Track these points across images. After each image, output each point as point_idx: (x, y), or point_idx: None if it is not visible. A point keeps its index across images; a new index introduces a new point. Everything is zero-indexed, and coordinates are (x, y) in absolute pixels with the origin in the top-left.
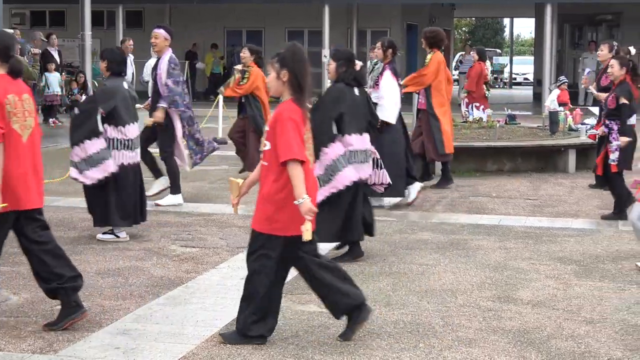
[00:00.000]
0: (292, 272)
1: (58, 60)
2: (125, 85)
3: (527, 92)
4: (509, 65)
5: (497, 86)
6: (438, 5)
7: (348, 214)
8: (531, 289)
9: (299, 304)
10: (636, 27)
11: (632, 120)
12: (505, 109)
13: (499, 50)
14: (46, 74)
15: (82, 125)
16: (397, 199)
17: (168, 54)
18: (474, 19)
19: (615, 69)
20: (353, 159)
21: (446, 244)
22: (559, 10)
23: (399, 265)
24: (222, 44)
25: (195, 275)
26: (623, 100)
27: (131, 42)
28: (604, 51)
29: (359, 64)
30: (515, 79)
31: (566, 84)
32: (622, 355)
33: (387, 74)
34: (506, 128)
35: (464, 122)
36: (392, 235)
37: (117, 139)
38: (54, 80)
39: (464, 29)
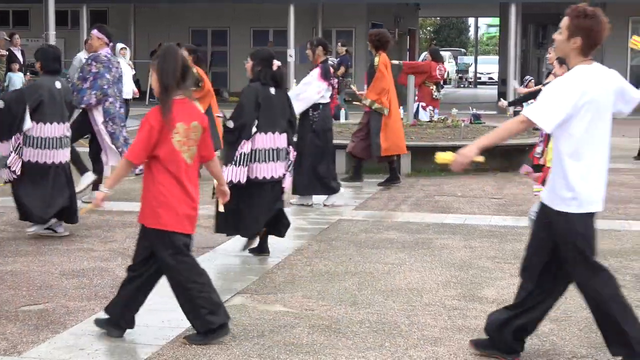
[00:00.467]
0: (258, 272)
1: (21, 60)
2: (58, 84)
3: (492, 91)
4: (473, 64)
5: (462, 85)
6: (403, 5)
7: (238, 210)
8: (496, 287)
9: (265, 303)
10: None
11: None
12: (470, 108)
13: (463, 50)
14: (10, 73)
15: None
16: (333, 198)
17: (101, 52)
18: (438, 18)
19: (556, 68)
20: (258, 158)
21: (412, 243)
22: (523, 10)
23: (365, 264)
24: (187, 44)
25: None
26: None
27: (127, 50)
28: (551, 54)
29: (276, 63)
30: (479, 78)
31: (532, 81)
32: (587, 352)
33: (314, 72)
34: (471, 127)
35: (429, 121)
36: (357, 235)
37: (33, 137)
38: (18, 80)
39: (429, 28)
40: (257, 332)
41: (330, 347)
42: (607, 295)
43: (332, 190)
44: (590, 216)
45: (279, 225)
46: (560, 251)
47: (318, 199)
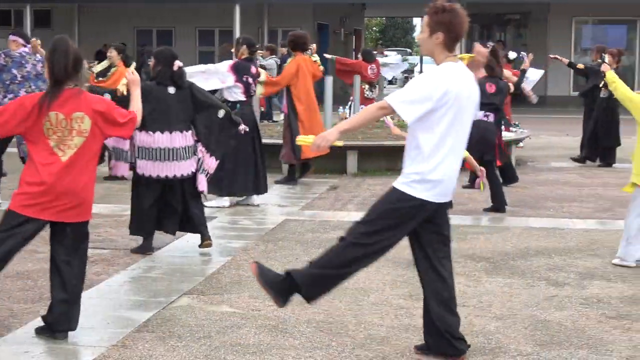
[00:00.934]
0: (204, 273)
1: None
2: None
3: None
4: (419, 64)
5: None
6: (349, 5)
7: (137, 208)
8: None
9: (211, 304)
10: (543, 26)
11: (479, 115)
12: None
13: (409, 50)
14: None
15: None
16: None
17: (17, 50)
18: (384, 18)
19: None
20: (147, 156)
21: None
22: (467, 10)
23: None
24: (132, 43)
25: (106, 277)
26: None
27: (39, 41)
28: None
29: (177, 64)
30: None
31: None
32: (532, 350)
33: (226, 62)
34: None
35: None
36: (304, 235)
37: None
38: None
39: (374, 28)
40: (203, 332)
41: (277, 347)
42: None
43: (249, 191)
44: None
45: (196, 225)
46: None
47: (266, 198)
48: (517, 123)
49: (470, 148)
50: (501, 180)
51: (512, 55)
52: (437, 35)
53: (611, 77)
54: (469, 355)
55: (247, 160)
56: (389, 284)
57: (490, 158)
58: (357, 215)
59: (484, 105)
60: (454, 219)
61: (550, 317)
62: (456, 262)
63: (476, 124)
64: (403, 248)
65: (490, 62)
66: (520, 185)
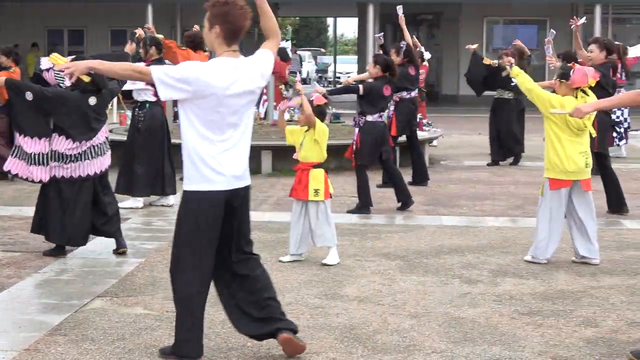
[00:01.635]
0: (118, 275)
1: None
2: None
3: None
4: (333, 64)
5: (321, 85)
6: None
7: (41, 211)
8: (357, 285)
9: (125, 306)
10: (455, 26)
11: (374, 117)
12: (330, 107)
13: (323, 50)
14: None
15: None
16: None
17: None
18: (298, 18)
19: (370, 67)
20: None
21: (273, 243)
22: (380, 10)
23: None
24: (43, 43)
25: (17, 280)
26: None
27: None
28: (393, 56)
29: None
30: (339, 77)
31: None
32: (446, 347)
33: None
34: (331, 127)
35: (289, 120)
36: None
37: None
38: None
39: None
40: (117, 335)
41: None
42: None
43: (161, 191)
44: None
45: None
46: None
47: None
48: (430, 122)
49: (368, 150)
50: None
51: (427, 55)
52: (215, 28)
53: (516, 70)
54: (385, 354)
55: (158, 161)
56: (304, 284)
57: (387, 157)
58: (272, 215)
59: (381, 108)
60: (369, 218)
61: (463, 315)
62: (370, 261)
63: (371, 126)
64: (318, 248)
65: (388, 63)
66: (433, 184)
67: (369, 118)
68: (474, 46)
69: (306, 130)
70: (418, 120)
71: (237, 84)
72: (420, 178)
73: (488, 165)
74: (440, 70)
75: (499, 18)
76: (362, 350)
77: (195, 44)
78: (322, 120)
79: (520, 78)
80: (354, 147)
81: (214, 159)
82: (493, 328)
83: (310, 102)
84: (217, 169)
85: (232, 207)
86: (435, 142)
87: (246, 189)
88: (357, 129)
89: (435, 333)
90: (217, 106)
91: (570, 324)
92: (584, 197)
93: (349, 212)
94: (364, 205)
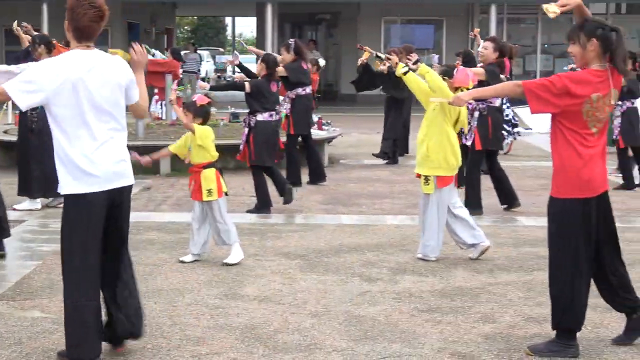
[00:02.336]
0: (14, 277)
1: None
2: None
3: None
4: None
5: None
6: (159, 4)
7: None
8: (257, 284)
9: (22, 309)
10: (353, 26)
11: (265, 116)
12: (229, 107)
13: (221, 49)
14: None
15: None
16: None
17: None
18: (196, 17)
19: (261, 67)
20: None
21: (173, 243)
22: (279, 10)
23: None
24: None
25: None
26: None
27: None
28: (283, 54)
29: None
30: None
31: None
32: (347, 345)
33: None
34: (230, 126)
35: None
36: None
37: None
38: None
39: (186, 27)
40: (14, 339)
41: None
42: None
43: (55, 192)
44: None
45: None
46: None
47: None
48: (329, 122)
49: (260, 150)
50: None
51: (322, 62)
52: (65, 22)
53: (424, 69)
54: (286, 353)
55: (53, 162)
56: (204, 284)
57: (276, 157)
58: (171, 216)
59: (268, 107)
60: (269, 218)
61: (364, 313)
62: (271, 260)
63: (262, 125)
64: (218, 248)
65: (270, 63)
66: (332, 183)
67: (259, 117)
68: (364, 57)
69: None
70: (317, 119)
71: (93, 73)
72: (317, 177)
73: (387, 163)
74: (339, 69)
75: (397, 18)
76: (263, 350)
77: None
78: (207, 119)
79: (429, 76)
80: (246, 147)
81: (85, 157)
82: (393, 325)
83: (194, 102)
84: (88, 169)
85: (112, 207)
86: (334, 142)
87: (128, 188)
88: (247, 129)
89: (336, 331)
90: (77, 99)
91: (468, 320)
92: (455, 190)
93: (248, 211)
94: (262, 205)
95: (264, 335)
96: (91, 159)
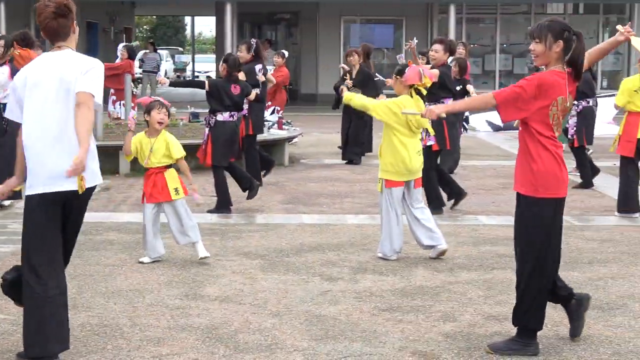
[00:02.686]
0: None
1: None
2: None
3: None
4: (191, 63)
5: None
6: (118, 3)
7: None
8: (218, 285)
9: None
10: (313, 26)
11: (225, 116)
12: (189, 107)
13: (180, 49)
14: None
15: None
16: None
17: None
18: (155, 17)
19: (223, 67)
20: None
21: (132, 244)
22: (238, 9)
23: (85, 267)
24: None
25: None
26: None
27: None
28: (242, 52)
29: None
30: (197, 76)
31: None
32: (308, 345)
33: (4, 69)
34: (190, 126)
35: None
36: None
37: None
38: None
39: (145, 27)
40: None
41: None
42: None
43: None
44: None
45: None
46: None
47: None
48: (289, 121)
49: (220, 150)
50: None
51: (286, 53)
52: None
53: (347, 97)
54: (247, 353)
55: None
56: (164, 285)
57: (237, 157)
58: (131, 216)
59: (229, 107)
60: (230, 218)
61: (325, 312)
62: (231, 260)
63: (222, 125)
64: (178, 248)
65: (231, 63)
66: (293, 182)
67: (219, 117)
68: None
69: (152, 138)
70: (278, 119)
71: (41, 72)
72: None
73: (347, 163)
74: (299, 69)
75: (356, 17)
76: (224, 350)
77: (29, 44)
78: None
79: (353, 102)
80: (204, 146)
81: (32, 157)
82: (354, 325)
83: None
84: (34, 169)
85: (64, 210)
86: (295, 140)
87: (74, 193)
88: (207, 129)
89: (297, 331)
90: (26, 97)
91: (429, 319)
92: (416, 193)
93: (209, 211)
94: (222, 205)
95: (225, 336)
96: (37, 160)
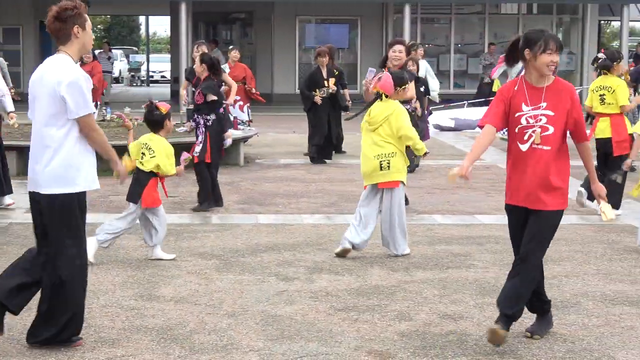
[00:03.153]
0: None
1: None
2: None
3: (165, 89)
4: (146, 63)
5: (134, 84)
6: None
7: None
8: (173, 285)
9: None
10: (268, 25)
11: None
12: (143, 107)
13: (135, 48)
14: None
15: None
16: None
17: None
18: (109, 16)
19: (197, 65)
20: None
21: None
22: (193, 9)
23: None
24: None
25: None
26: (211, 97)
27: None
28: (199, 52)
29: None
30: (152, 76)
31: None
32: (264, 345)
33: None
34: (145, 126)
35: (101, 120)
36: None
37: None
38: None
39: (99, 26)
40: None
41: (2, 355)
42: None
43: None
44: None
45: None
46: None
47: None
48: (244, 121)
49: (216, 147)
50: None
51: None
52: None
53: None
54: (202, 354)
55: None
56: (119, 286)
57: (203, 158)
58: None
59: (222, 104)
60: (184, 218)
61: (280, 312)
62: (187, 261)
63: (218, 123)
64: (133, 249)
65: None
66: (248, 182)
67: (213, 116)
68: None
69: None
70: (232, 119)
71: (37, 77)
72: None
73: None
74: (254, 69)
75: (312, 17)
76: (180, 351)
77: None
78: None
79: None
80: (201, 145)
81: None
82: (310, 324)
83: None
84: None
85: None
86: (250, 141)
87: (41, 195)
88: (203, 128)
89: (253, 331)
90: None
91: (385, 318)
92: (365, 192)
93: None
94: (207, 199)
95: (180, 336)
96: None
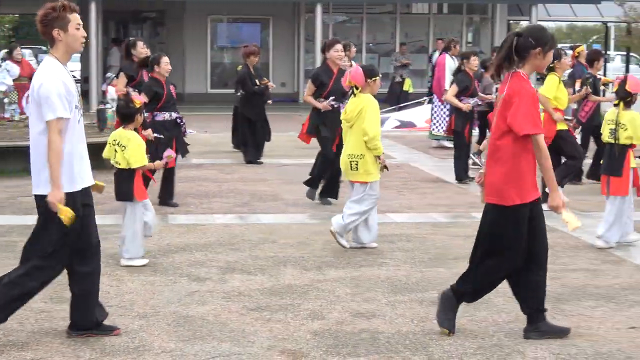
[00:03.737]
0: None
1: None
2: None
3: None
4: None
5: None
6: None
7: None
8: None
9: None
10: (179, 25)
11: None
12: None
13: (44, 47)
14: None
15: None
16: None
17: None
18: (17, 15)
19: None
20: None
21: (1, 246)
22: (103, 7)
23: None
24: None
25: None
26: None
27: None
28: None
29: None
30: None
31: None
32: (175, 346)
33: None
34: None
35: (10, 120)
36: None
37: None
38: None
39: (7, 25)
40: None
41: None
42: None
43: None
44: None
45: None
46: None
47: None
48: None
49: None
50: None
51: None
52: None
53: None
54: (114, 356)
55: None
56: None
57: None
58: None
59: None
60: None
61: (192, 313)
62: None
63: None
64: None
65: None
66: (159, 182)
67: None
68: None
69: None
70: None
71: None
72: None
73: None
74: None
75: (224, 17)
76: (91, 354)
77: None
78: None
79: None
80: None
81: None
82: (222, 325)
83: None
84: None
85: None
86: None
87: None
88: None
89: (165, 332)
90: None
91: (297, 317)
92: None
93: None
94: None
95: (91, 339)
96: None
